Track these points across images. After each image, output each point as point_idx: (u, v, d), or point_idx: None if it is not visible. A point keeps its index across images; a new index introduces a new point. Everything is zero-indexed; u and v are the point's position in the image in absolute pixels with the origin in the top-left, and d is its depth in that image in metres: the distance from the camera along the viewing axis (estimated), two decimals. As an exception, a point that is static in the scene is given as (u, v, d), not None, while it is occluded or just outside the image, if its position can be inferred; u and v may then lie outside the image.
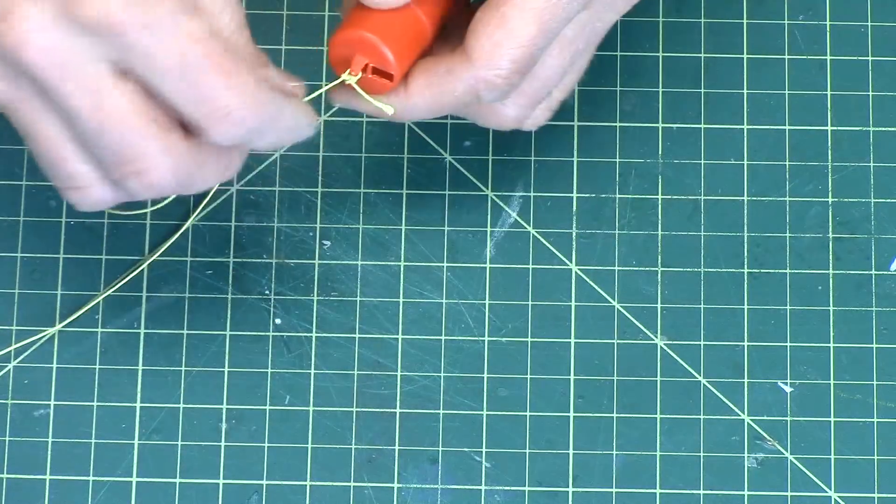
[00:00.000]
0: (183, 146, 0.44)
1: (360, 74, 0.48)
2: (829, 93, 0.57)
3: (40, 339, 0.56)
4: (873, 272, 0.56)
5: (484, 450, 0.55)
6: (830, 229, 0.56)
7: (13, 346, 0.56)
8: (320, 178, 0.57)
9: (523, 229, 0.56)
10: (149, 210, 0.57)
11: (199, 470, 0.55)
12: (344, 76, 0.48)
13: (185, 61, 0.42)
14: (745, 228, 0.56)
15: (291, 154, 0.57)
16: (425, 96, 0.48)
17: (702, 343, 0.56)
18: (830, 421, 0.55)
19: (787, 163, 0.57)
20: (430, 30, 0.49)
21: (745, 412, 0.55)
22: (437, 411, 0.55)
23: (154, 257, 0.56)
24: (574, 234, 0.56)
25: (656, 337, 0.56)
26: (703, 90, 0.57)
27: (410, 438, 0.55)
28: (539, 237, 0.56)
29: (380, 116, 0.49)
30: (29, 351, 0.56)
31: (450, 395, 0.55)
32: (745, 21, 0.58)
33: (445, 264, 0.56)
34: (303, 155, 0.57)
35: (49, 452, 0.55)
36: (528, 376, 0.55)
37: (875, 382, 0.55)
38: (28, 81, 0.42)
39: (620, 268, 0.56)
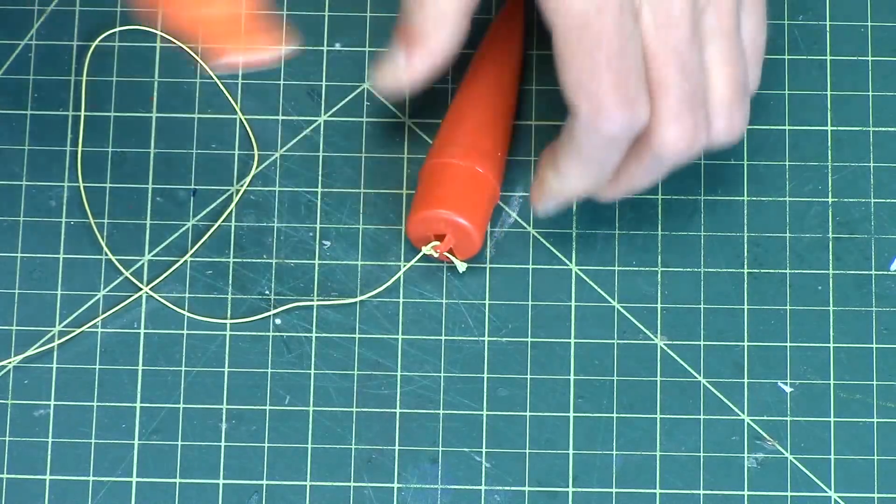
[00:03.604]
0: None
1: (447, 253, 0.54)
2: (829, 93, 0.57)
3: (41, 340, 0.56)
4: (873, 272, 0.56)
5: (484, 450, 0.55)
6: (830, 229, 0.56)
7: (13, 348, 0.56)
8: (320, 178, 0.57)
9: (523, 229, 0.56)
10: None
11: (199, 470, 0.55)
12: (432, 251, 0.54)
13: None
14: (745, 228, 0.56)
15: (291, 154, 0.57)
16: (574, 166, 0.50)
17: (702, 343, 0.56)
18: (830, 421, 0.55)
19: (787, 163, 0.57)
20: (496, 185, 0.54)
21: (745, 412, 0.55)
22: (437, 411, 0.55)
23: (154, 257, 0.56)
24: (574, 234, 0.56)
25: (656, 337, 0.56)
26: (703, 90, 0.57)
27: (410, 438, 0.55)
28: (539, 237, 0.56)
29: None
30: (29, 351, 0.56)
31: (450, 395, 0.55)
32: (745, 21, 0.58)
33: (445, 264, 0.56)
34: (303, 155, 0.57)
35: (49, 452, 0.55)
36: (528, 376, 0.55)
37: (875, 382, 0.55)
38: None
39: (620, 268, 0.56)
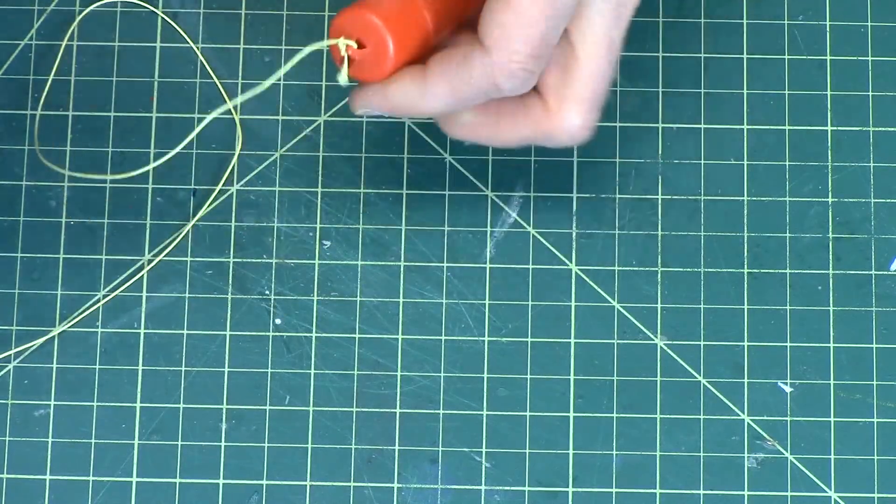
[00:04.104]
0: None
1: (346, 52, 0.48)
2: (829, 93, 0.57)
3: (42, 340, 0.56)
4: (873, 272, 0.56)
5: (484, 450, 0.55)
6: (830, 229, 0.56)
7: (13, 349, 0.56)
8: (320, 178, 0.57)
9: (523, 229, 0.56)
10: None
11: (199, 470, 0.55)
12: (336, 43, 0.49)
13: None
14: (745, 228, 0.56)
15: (291, 154, 0.57)
16: (443, 85, 0.48)
17: (702, 343, 0.56)
18: (830, 421, 0.55)
19: (787, 163, 0.57)
20: (431, 22, 0.49)
21: (745, 412, 0.55)
22: (437, 411, 0.55)
23: (154, 257, 0.56)
24: (574, 234, 0.56)
25: (656, 337, 0.56)
26: (703, 90, 0.57)
27: (410, 438, 0.55)
28: (539, 237, 0.56)
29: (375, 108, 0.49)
30: (29, 351, 0.56)
31: (450, 395, 0.55)
32: (745, 21, 0.58)
33: (445, 264, 0.56)
34: (303, 155, 0.57)
35: (49, 452, 0.55)
36: (528, 376, 0.55)
37: (875, 382, 0.55)
38: None
39: (620, 268, 0.56)
